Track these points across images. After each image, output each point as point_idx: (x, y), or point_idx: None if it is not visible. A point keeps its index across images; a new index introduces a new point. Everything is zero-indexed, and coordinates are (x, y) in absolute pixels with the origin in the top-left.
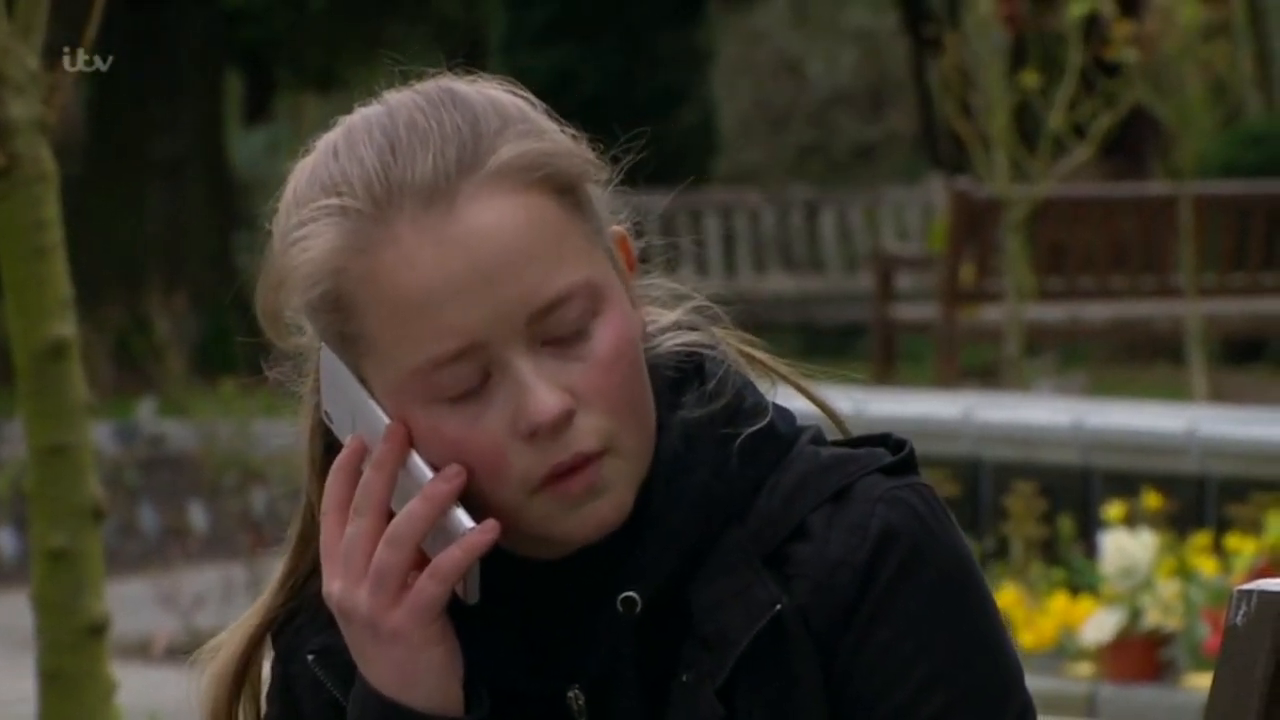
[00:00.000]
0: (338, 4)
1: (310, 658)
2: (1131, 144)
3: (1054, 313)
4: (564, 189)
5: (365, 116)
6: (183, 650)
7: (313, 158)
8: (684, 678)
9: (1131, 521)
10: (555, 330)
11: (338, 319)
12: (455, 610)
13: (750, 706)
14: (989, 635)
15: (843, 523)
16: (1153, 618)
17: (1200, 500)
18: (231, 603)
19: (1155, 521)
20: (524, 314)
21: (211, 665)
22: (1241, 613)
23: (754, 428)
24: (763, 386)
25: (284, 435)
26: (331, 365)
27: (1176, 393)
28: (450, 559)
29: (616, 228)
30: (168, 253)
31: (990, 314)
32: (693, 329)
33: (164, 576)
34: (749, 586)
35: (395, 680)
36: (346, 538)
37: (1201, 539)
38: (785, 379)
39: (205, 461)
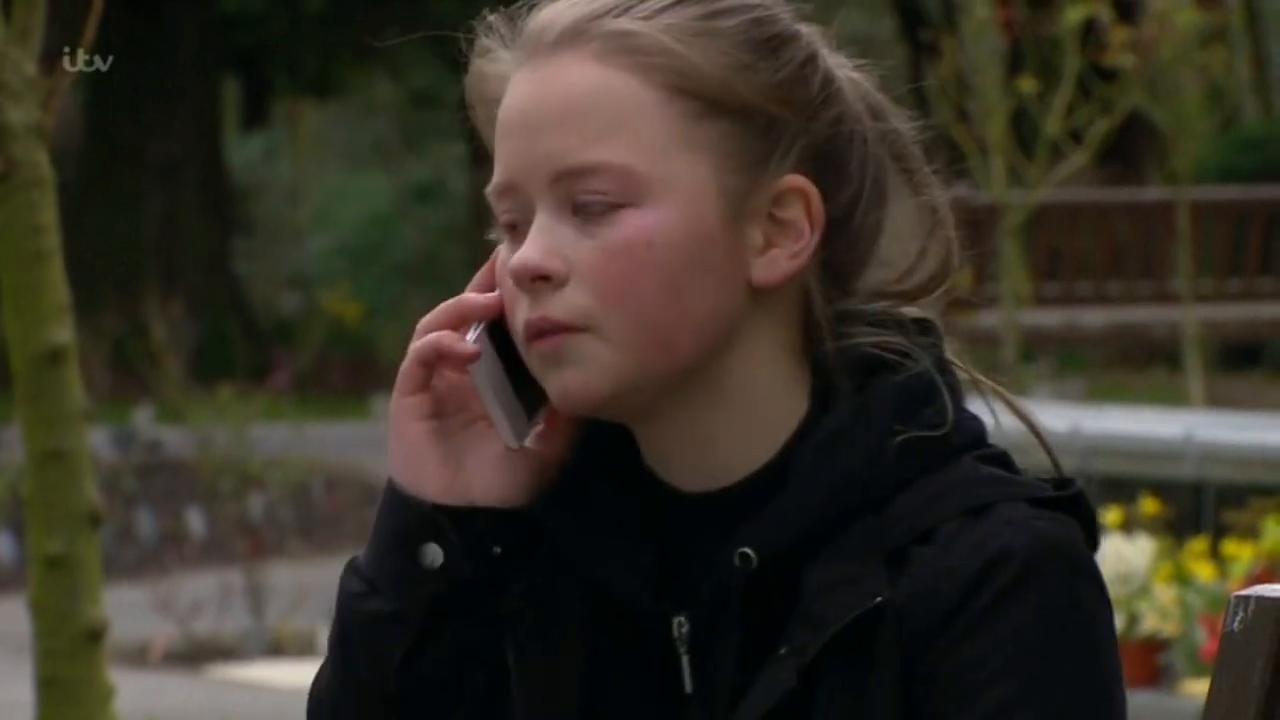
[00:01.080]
0: (333, 9)
1: None
2: (1128, 150)
3: (1051, 318)
4: (683, 91)
5: None
6: (180, 656)
7: None
8: (782, 650)
9: (1128, 527)
10: (583, 201)
11: None
12: (596, 521)
13: (831, 688)
14: (1089, 676)
15: (969, 537)
16: (1150, 623)
17: (1197, 506)
18: (229, 608)
19: (1152, 527)
20: (549, 170)
21: None
22: (1239, 618)
23: (924, 431)
24: (977, 403)
25: (281, 440)
26: None
27: (1173, 398)
28: (417, 342)
29: (799, 178)
30: (164, 258)
31: (987, 319)
32: (903, 329)
33: (161, 582)
34: (860, 577)
35: (389, 453)
36: None
37: (1199, 544)
38: (997, 394)
39: (202, 467)
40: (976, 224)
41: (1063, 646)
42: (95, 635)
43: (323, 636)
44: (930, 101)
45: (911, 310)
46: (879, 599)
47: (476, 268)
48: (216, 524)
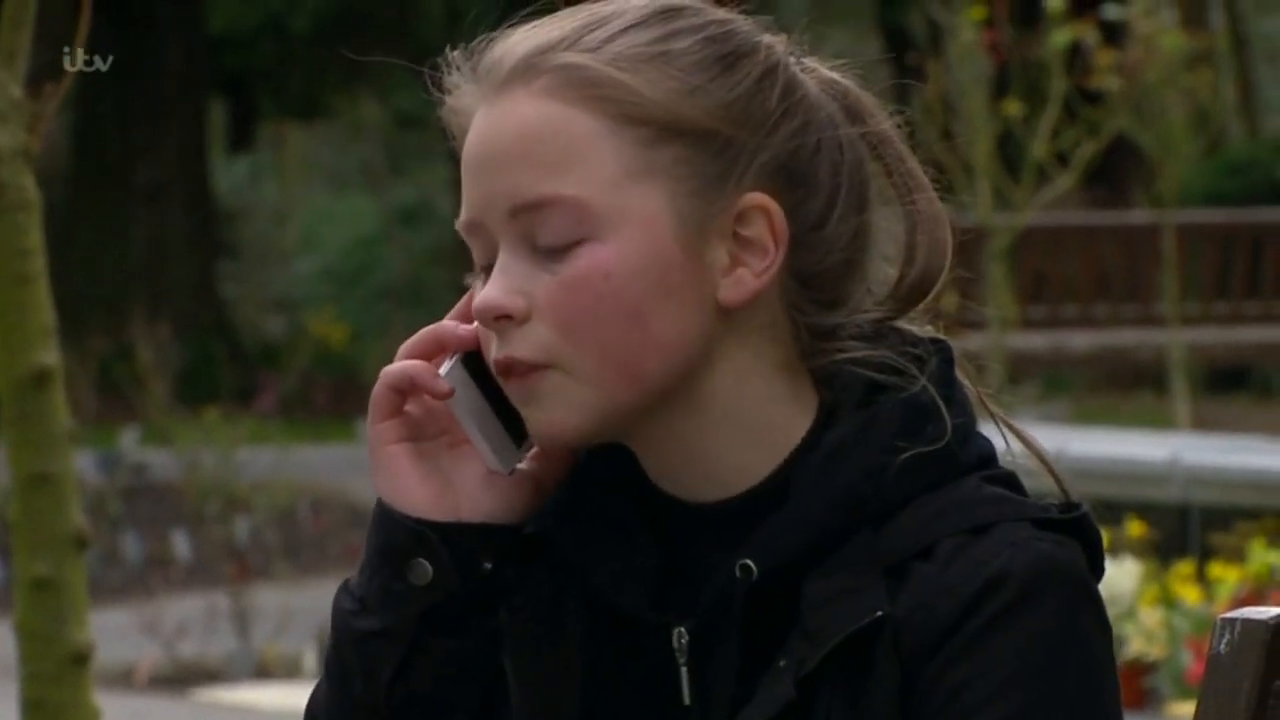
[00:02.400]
0: (320, 31)
1: None
2: (1114, 173)
3: (1036, 341)
4: (632, 119)
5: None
6: (166, 679)
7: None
8: (781, 663)
9: (1114, 550)
10: (540, 237)
11: None
12: (596, 532)
13: (829, 701)
14: (1087, 699)
15: (969, 555)
16: (1136, 646)
17: (1183, 528)
18: (215, 631)
19: (1138, 550)
20: (506, 207)
21: None
22: (1225, 641)
23: (927, 448)
24: (989, 427)
25: (267, 463)
26: None
27: (1159, 421)
28: (391, 367)
29: (759, 195)
30: (150, 280)
31: (972, 342)
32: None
33: (147, 605)
34: (861, 590)
35: (373, 475)
36: None
37: (1184, 567)
38: (1013, 431)
39: (188, 490)
40: (962, 246)
41: (1061, 668)
42: (81, 658)
43: (309, 659)
44: (916, 124)
45: (926, 330)
46: (879, 613)
47: (462, 290)
48: (202, 546)
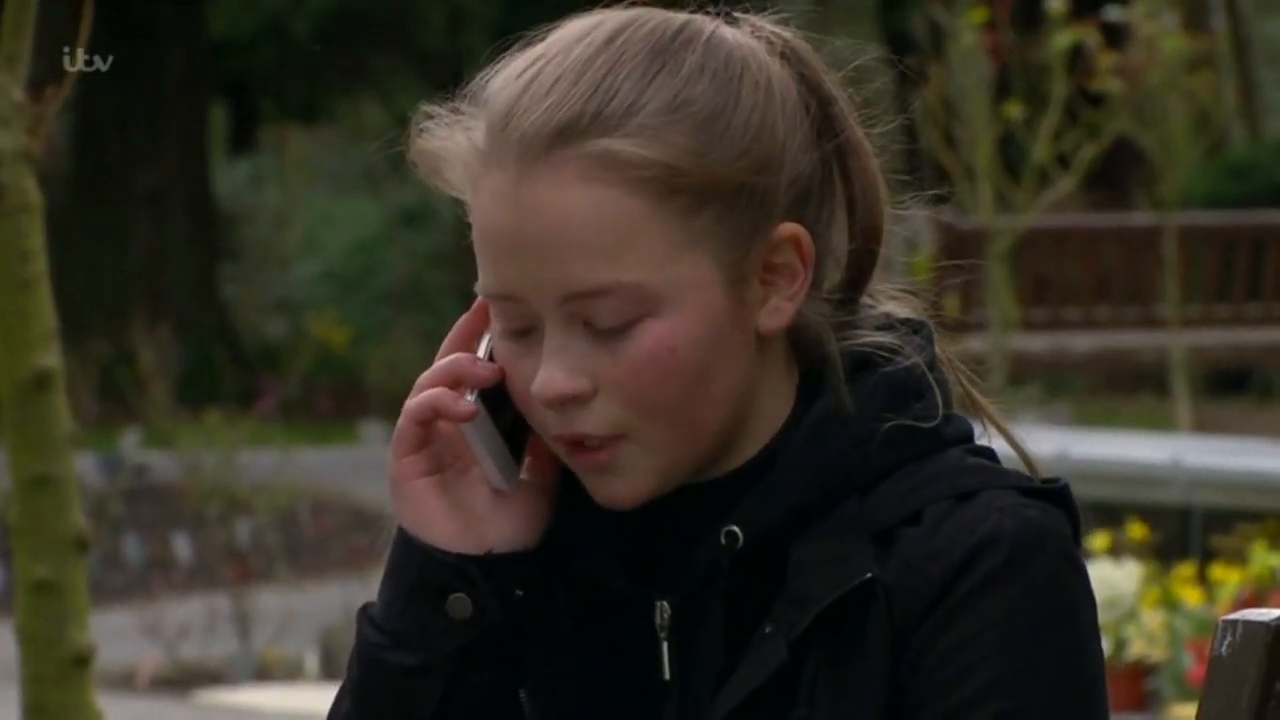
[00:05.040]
0: (322, 36)
1: None
2: (1115, 175)
3: (1038, 343)
4: (671, 192)
5: (560, 33)
6: (167, 681)
7: (510, 60)
8: (767, 629)
9: (1116, 552)
10: (598, 319)
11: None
12: (581, 509)
13: (817, 664)
14: (1073, 664)
15: (956, 519)
16: (1137, 648)
17: (1185, 531)
18: (216, 633)
19: (1140, 552)
20: (557, 293)
21: None
22: (1226, 643)
23: (913, 421)
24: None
25: (268, 465)
26: None
27: (1160, 423)
28: (413, 401)
29: (788, 226)
30: (151, 283)
31: (974, 344)
32: (903, 331)
33: (148, 607)
34: (849, 555)
35: (398, 512)
36: None
37: (1186, 569)
38: (983, 411)
39: (189, 492)
40: (964, 249)
41: (1048, 633)
42: (82, 660)
43: (310, 661)
44: (917, 127)
45: (902, 310)
46: (869, 575)
47: (463, 292)
48: (203, 549)
